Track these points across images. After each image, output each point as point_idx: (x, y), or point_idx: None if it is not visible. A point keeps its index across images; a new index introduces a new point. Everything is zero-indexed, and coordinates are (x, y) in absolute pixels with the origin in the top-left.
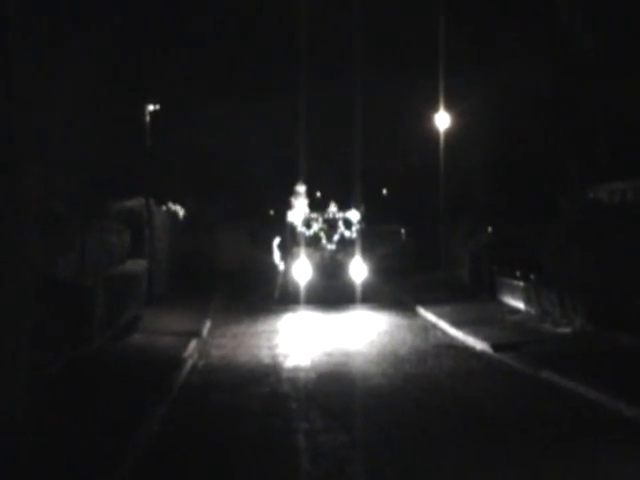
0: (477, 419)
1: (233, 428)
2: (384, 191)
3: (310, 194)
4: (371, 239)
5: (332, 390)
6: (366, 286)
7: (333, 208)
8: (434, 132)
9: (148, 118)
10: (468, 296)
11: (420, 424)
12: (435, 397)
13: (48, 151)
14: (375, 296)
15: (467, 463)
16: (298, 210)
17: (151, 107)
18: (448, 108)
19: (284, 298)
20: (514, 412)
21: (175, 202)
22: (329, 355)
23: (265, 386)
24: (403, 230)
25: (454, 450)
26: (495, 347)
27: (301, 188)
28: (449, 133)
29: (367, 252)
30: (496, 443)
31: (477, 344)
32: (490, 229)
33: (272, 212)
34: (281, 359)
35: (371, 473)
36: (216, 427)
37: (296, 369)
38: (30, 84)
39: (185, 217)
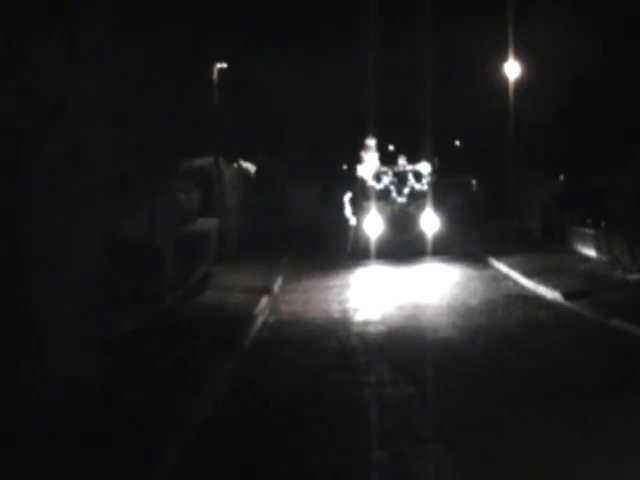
0: (545, 368)
1: (301, 382)
2: (457, 143)
3: (382, 148)
4: (442, 191)
5: (401, 343)
6: (437, 238)
7: (403, 161)
8: (505, 83)
9: (216, 76)
10: (539, 245)
11: (487, 375)
12: (504, 347)
13: (115, 112)
14: (446, 248)
15: (533, 414)
16: (369, 164)
17: (219, 65)
18: (518, 58)
19: (355, 253)
20: (583, 360)
21: (246, 159)
22: (399, 308)
23: (334, 340)
24: (474, 181)
25: (521, 401)
26: (565, 295)
27: (371, 142)
28: (519, 83)
29: (438, 204)
30: (564, 392)
31: (547, 293)
32: (561, 178)
33: (345, 167)
34: (351, 313)
35: (435, 425)
36: (284, 381)
37: (366, 323)
38: (95, 42)
39: (257, 174)
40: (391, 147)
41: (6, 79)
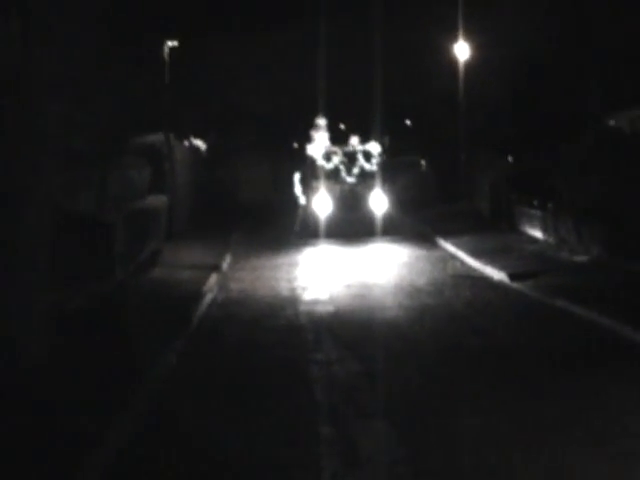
0: (491, 347)
1: (248, 359)
2: (408, 122)
3: (333, 127)
4: (391, 171)
5: (349, 322)
6: (386, 218)
7: (354, 141)
8: (455, 64)
9: (167, 53)
10: (487, 226)
11: (433, 354)
12: (450, 327)
13: (66, 88)
14: (395, 228)
15: (478, 391)
16: (319, 143)
17: (170, 43)
18: (468, 39)
19: (304, 231)
20: (527, 339)
21: (197, 137)
22: (348, 287)
23: (282, 319)
24: (423, 161)
25: (466, 378)
26: (512, 276)
27: (322, 121)
28: (469, 65)
29: (387, 184)
30: (507, 370)
31: (494, 274)
32: (510, 159)
33: (295, 146)
34: (299, 292)
35: (380, 402)
36: (231, 358)
37: (314, 302)
38: (46, 19)
39: (207, 151)
40: (342, 126)
41: None
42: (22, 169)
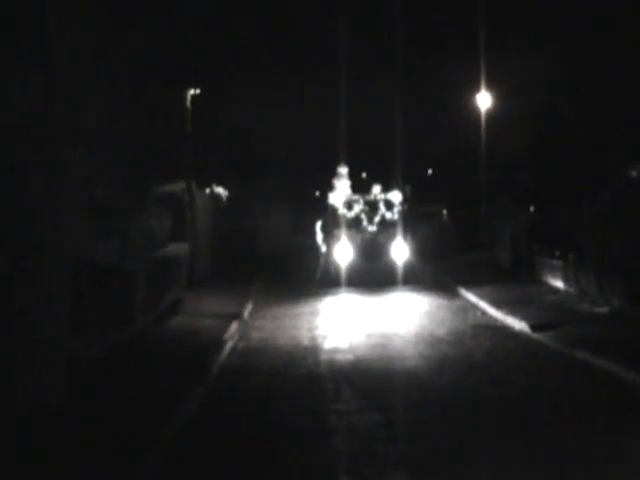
0: (510, 399)
1: (268, 409)
2: (429, 172)
3: (354, 176)
4: (413, 220)
5: (368, 372)
6: (407, 268)
7: (376, 190)
8: (476, 114)
9: (189, 102)
10: (508, 276)
11: (453, 405)
12: (470, 377)
13: (87, 137)
14: (416, 278)
15: (497, 441)
16: (340, 192)
17: (192, 91)
18: (489, 88)
19: (325, 280)
20: (547, 391)
21: (218, 185)
22: (368, 336)
23: (302, 368)
24: (445, 211)
25: (485, 430)
26: (533, 327)
27: (343, 170)
28: (490, 114)
29: (408, 234)
30: (527, 423)
31: (515, 324)
32: (531, 209)
33: (317, 194)
34: (320, 340)
35: (400, 452)
36: (251, 408)
37: (334, 351)
38: (67, 69)
39: (228, 200)
40: (363, 175)
41: None
42: (43, 218)
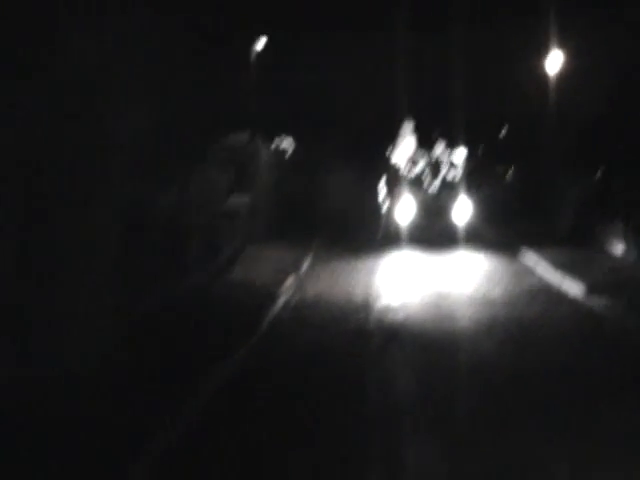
0: (556, 365)
1: (314, 363)
2: (502, 132)
3: (418, 134)
4: (476, 181)
5: (416, 331)
6: (468, 228)
7: (440, 148)
8: (546, 76)
9: (254, 53)
10: (570, 241)
11: (496, 367)
12: (518, 342)
13: (150, 89)
14: (476, 238)
15: (539, 408)
16: (403, 150)
17: (257, 44)
18: (562, 47)
19: (386, 239)
20: (596, 358)
21: (283, 139)
22: (422, 296)
23: (352, 323)
24: (510, 172)
25: (528, 395)
26: (588, 292)
27: (407, 128)
28: (562, 74)
29: (472, 193)
30: (571, 390)
31: (571, 288)
32: (599, 175)
33: (381, 151)
34: (373, 297)
35: (435, 414)
36: (296, 362)
37: (386, 309)
38: (125, 21)
39: (293, 155)
40: (427, 134)
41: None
42: (91, 169)
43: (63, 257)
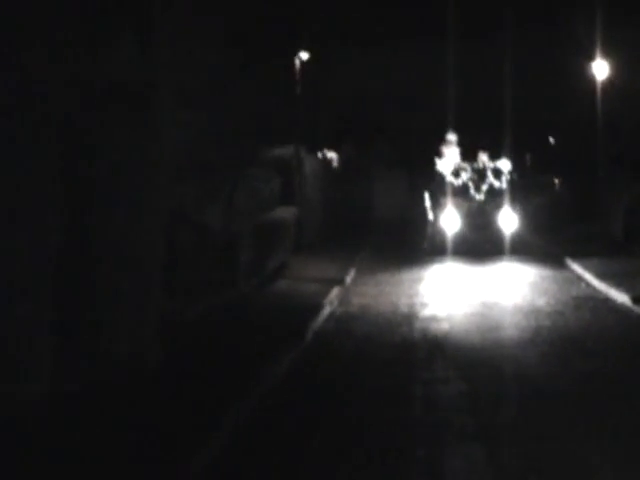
0: (603, 374)
1: (357, 375)
2: (551, 140)
3: (463, 143)
4: (523, 190)
5: (461, 341)
6: (514, 237)
7: (484, 158)
8: (594, 83)
9: (298, 66)
10: (619, 249)
11: (541, 377)
12: (564, 351)
13: (197, 101)
14: (523, 248)
15: (582, 415)
16: (448, 159)
17: (301, 56)
18: (608, 57)
19: (431, 248)
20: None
21: (330, 150)
22: (467, 306)
23: (397, 335)
24: (557, 181)
25: (571, 403)
26: (635, 301)
27: (452, 137)
28: (610, 82)
29: (518, 203)
30: (614, 399)
31: (618, 297)
32: None
33: (426, 161)
34: (418, 308)
35: (479, 424)
36: (339, 373)
37: (431, 319)
38: (173, 30)
39: (339, 164)
40: (472, 143)
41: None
42: (132, 179)
43: (111, 268)
